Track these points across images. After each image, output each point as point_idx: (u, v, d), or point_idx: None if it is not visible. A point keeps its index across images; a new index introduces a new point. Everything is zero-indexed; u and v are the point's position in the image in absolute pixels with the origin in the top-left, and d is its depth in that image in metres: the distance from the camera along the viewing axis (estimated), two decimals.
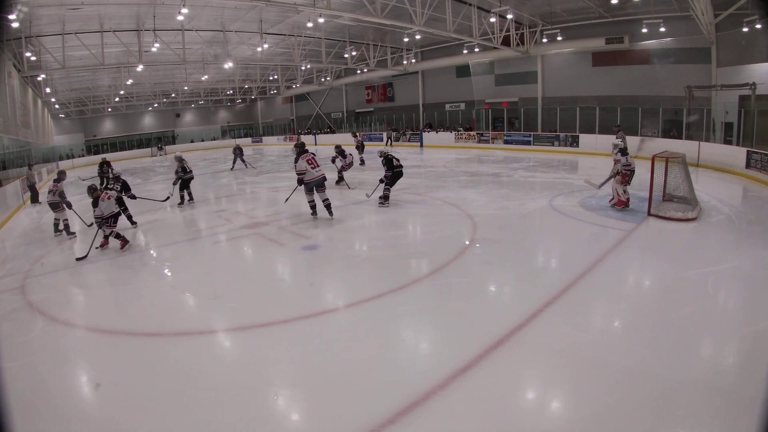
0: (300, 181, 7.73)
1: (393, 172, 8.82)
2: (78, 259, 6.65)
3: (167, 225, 8.98)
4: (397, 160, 9.00)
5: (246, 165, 18.33)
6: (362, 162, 16.73)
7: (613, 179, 7.79)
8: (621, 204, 7.70)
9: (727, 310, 4.31)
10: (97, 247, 7.04)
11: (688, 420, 2.73)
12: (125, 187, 8.81)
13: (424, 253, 6.31)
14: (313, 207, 8.02)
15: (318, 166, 7.74)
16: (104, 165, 13.24)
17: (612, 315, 4.25)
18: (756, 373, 2.99)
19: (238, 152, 18.59)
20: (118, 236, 7.08)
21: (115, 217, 7.07)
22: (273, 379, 3.36)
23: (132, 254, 6.94)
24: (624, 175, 7.62)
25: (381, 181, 8.87)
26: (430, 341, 3.92)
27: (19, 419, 2.59)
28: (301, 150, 7.80)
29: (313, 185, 7.77)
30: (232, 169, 18.23)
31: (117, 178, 8.80)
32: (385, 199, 8.89)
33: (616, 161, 7.73)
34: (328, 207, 7.89)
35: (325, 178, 7.83)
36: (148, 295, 5.25)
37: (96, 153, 31.82)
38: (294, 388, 3.24)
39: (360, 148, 17.38)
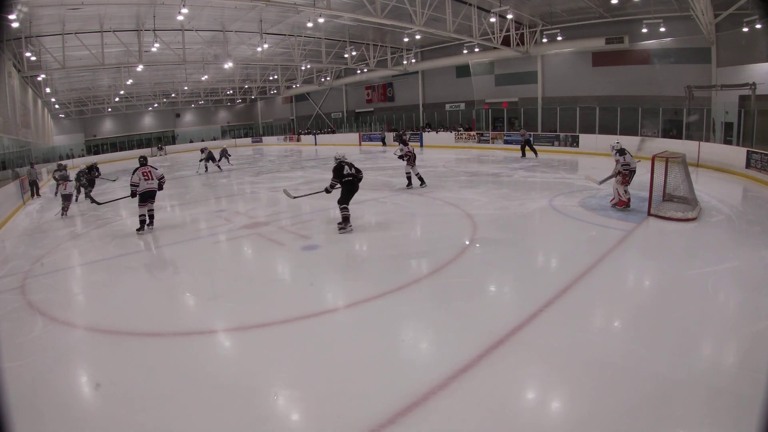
0: (133, 194, 8.04)
1: (343, 182, 7.05)
2: None
3: (167, 225, 8.97)
4: (351, 168, 7.14)
5: (220, 168, 18.23)
6: (206, 170, 17.28)
7: (614, 179, 7.80)
8: (622, 204, 7.69)
9: (727, 310, 4.30)
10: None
11: (688, 420, 2.73)
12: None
13: (424, 253, 6.30)
14: (143, 222, 8.06)
15: (152, 179, 8.15)
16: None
17: (612, 315, 4.25)
18: (756, 373, 2.99)
19: (224, 153, 19.00)
20: None
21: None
22: (273, 379, 3.36)
23: (132, 254, 6.95)
24: (624, 175, 7.62)
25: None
26: (430, 341, 3.91)
27: (19, 419, 2.59)
28: (140, 164, 8.31)
29: (146, 196, 8.08)
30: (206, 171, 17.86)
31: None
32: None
33: (617, 161, 7.73)
34: (151, 217, 8.21)
35: (155, 191, 8.20)
36: (149, 295, 5.25)
37: (96, 153, 31.90)
38: (294, 388, 3.23)
39: (211, 158, 17.73)
